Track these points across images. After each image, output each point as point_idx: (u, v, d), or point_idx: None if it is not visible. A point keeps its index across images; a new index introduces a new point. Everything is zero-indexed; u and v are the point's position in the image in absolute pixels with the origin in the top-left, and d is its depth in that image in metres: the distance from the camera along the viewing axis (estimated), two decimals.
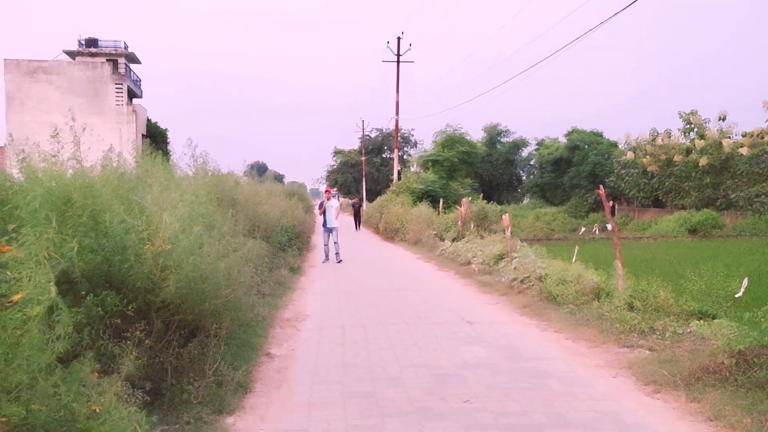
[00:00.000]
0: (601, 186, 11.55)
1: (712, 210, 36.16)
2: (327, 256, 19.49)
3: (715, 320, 7.72)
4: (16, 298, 4.02)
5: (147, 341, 5.26)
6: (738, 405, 5.65)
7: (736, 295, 8.29)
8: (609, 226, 10.63)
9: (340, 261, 19.17)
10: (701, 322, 8.29)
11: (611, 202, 10.97)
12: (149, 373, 5.50)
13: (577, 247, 14.09)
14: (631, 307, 9.38)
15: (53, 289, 4.08)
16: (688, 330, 8.35)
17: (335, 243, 19.38)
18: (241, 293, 7.22)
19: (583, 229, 23.67)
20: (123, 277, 5.25)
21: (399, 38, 40.45)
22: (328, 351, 8.14)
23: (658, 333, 8.38)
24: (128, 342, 4.98)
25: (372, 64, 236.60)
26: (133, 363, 4.89)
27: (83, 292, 4.77)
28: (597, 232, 18.92)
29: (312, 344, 8.54)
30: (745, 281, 8.38)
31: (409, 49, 40.63)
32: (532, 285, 11.96)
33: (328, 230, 19.42)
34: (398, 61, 40.06)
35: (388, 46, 40.53)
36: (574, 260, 12.11)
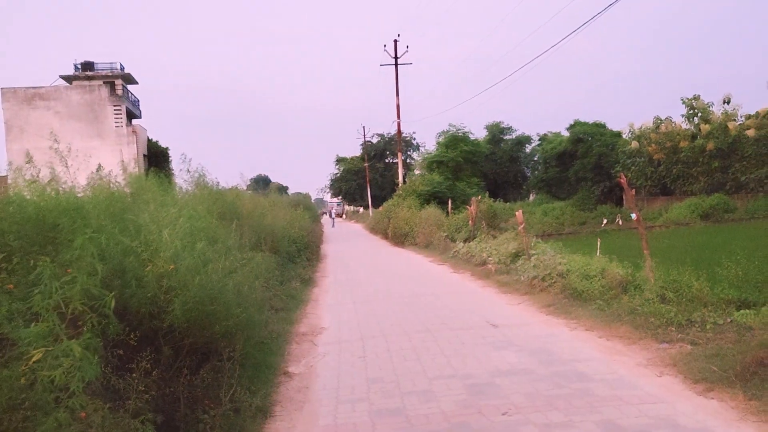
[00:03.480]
0: (621, 174, 11.04)
1: (722, 194, 35.55)
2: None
3: (762, 308, 7.20)
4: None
5: (155, 372, 4.76)
6: None
7: None
8: (633, 216, 10.12)
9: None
10: (744, 311, 7.78)
11: (633, 190, 10.44)
12: (160, 404, 5.01)
13: (599, 240, 13.56)
14: (663, 299, 8.86)
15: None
16: (729, 320, 7.82)
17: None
18: (253, 311, 6.76)
19: (605, 221, 23.10)
20: (124, 303, 4.77)
21: (396, 41, 39.94)
22: (350, 366, 7.64)
23: (697, 325, 7.86)
24: (134, 374, 4.50)
25: (369, 69, 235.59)
26: (141, 397, 4.41)
27: (80, 322, 4.30)
28: (620, 222, 18.37)
29: (332, 359, 8.04)
30: None
31: (407, 51, 40.17)
32: (555, 282, 11.43)
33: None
34: (396, 64, 39.55)
35: (385, 50, 40.03)
36: (597, 254, 11.59)
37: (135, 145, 45.44)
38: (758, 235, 21.65)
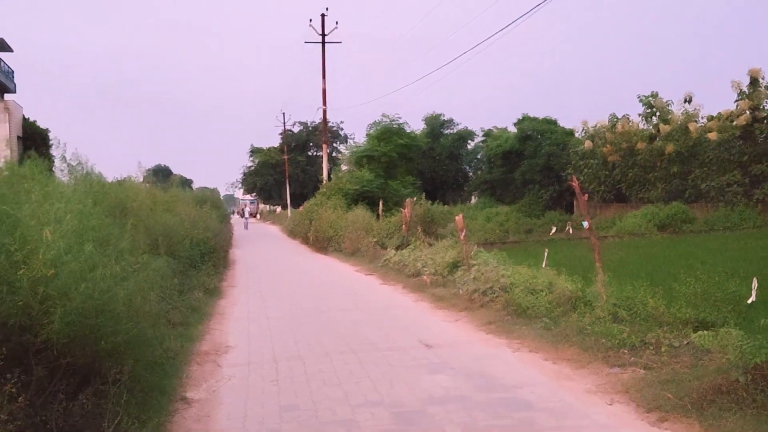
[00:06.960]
0: (573, 177, 11.36)
1: (680, 203, 36.94)
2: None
3: (721, 330, 7.51)
4: None
5: (22, 397, 4.56)
6: None
7: (749, 301, 8.11)
8: (585, 224, 10.41)
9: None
10: (701, 332, 8.10)
11: (585, 196, 10.75)
12: None
13: (546, 250, 13.91)
14: (616, 318, 9.16)
15: None
16: (685, 342, 8.14)
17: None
18: (146, 325, 6.58)
19: (554, 229, 23.72)
20: None
21: (323, 15, 39.88)
22: (260, 391, 7.56)
23: (651, 347, 8.14)
24: None
25: (293, 47, 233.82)
26: (5, 427, 4.21)
27: None
28: (570, 231, 18.93)
29: (238, 383, 7.94)
30: (755, 283, 8.24)
31: (336, 28, 40.13)
32: (497, 297, 11.66)
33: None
34: (323, 42, 39.48)
35: (311, 25, 39.91)
36: (543, 265, 11.87)
37: (7, 124, 43.62)
38: (718, 248, 22.66)
